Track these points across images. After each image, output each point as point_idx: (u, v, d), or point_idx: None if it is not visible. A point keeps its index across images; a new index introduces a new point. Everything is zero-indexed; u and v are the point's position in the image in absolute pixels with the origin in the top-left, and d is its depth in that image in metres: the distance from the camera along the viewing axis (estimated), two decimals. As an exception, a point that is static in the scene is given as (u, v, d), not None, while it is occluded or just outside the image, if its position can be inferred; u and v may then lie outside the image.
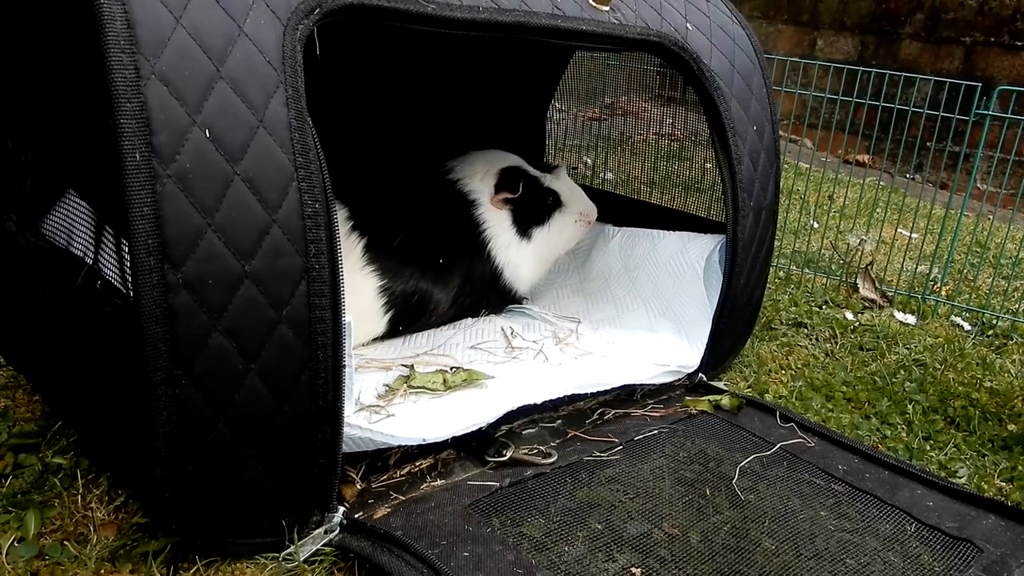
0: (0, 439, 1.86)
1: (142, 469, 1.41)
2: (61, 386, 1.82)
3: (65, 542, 1.57)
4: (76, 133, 1.60)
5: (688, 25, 2.18)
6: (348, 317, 1.50)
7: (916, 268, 3.63)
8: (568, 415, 2.13)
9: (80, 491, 1.71)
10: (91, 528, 1.62)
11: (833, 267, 3.58)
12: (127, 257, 1.31)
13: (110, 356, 1.48)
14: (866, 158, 5.52)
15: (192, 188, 1.29)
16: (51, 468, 1.78)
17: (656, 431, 2.06)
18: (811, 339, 2.89)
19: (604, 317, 2.59)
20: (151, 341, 1.29)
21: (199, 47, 1.31)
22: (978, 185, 5.41)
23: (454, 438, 1.84)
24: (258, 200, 1.35)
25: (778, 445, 2.04)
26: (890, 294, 3.34)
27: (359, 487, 1.74)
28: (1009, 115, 3.13)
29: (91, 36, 1.24)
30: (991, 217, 4.52)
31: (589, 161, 3.64)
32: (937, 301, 3.28)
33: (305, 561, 1.55)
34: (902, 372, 2.64)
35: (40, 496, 1.70)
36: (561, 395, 2.05)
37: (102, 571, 1.51)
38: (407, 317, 2.34)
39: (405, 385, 1.99)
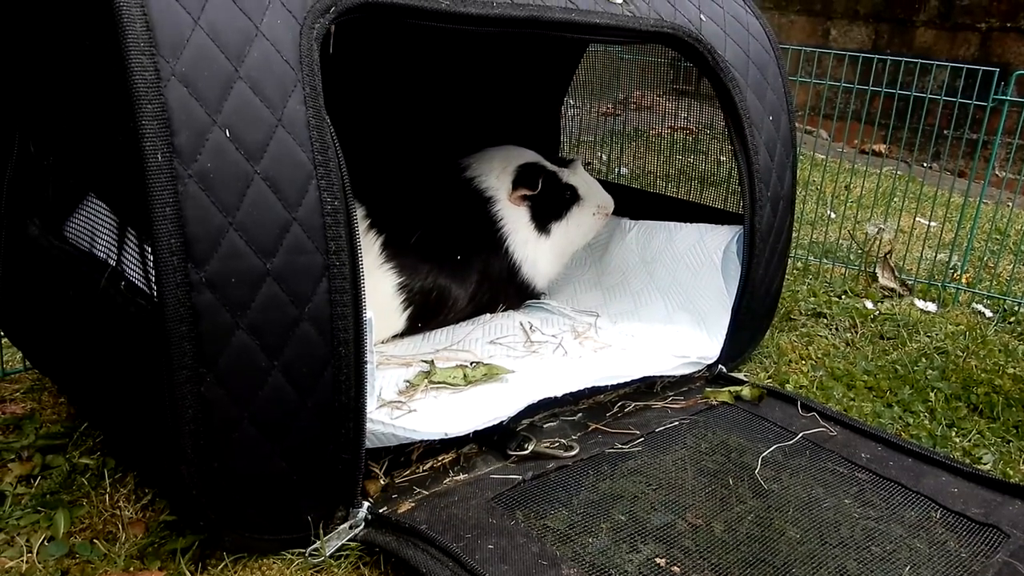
0: (28, 441, 1.89)
1: (168, 467, 1.43)
2: (86, 388, 1.84)
3: (94, 540, 1.59)
4: (97, 136, 1.62)
5: (702, 16, 2.18)
6: (369, 313, 1.51)
7: (935, 256, 3.61)
8: (589, 408, 2.13)
9: (107, 490, 1.73)
10: (119, 526, 1.63)
11: (851, 257, 3.56)
12: (150, 257, 1.32)
13: (135, 356, 1.50)
14: (882, 147, 5.48)
15: (213, 187, 1.30)
16: (78, 468, 1.80)
17: (677, 422, 2.06)
18: (831, 329, 2.88)
19: (623, 310, 2.59)
20: (176, 340, 1.30)
21: (217, 47, 1.32)
22: (996, 172, 5.37)
23: (476, 432, 1.85)
24: (278, 198, 1.36)
25: (800, 435, 2.04)
26: (910, 282, 3.32)
27: (383, 482, 1.75)
28: (1027, 100, 3.10)
29: (111, 39, 1.25)
30: (1011, 204, 4.49)
31: (604, 156, 3.63)
32: (957, 289, 3.26)
33: (331, 556, 1.56)
34: (924, 360, 2.62)
35: (68, 496, 1.72)
36: (581, 388, 2.05)
37: (131, 568, 1.53)
38: (426, 314, 2.35)
39: (426, 381, 2.00)
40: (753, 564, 1.56)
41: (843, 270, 3.46)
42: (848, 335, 2.84)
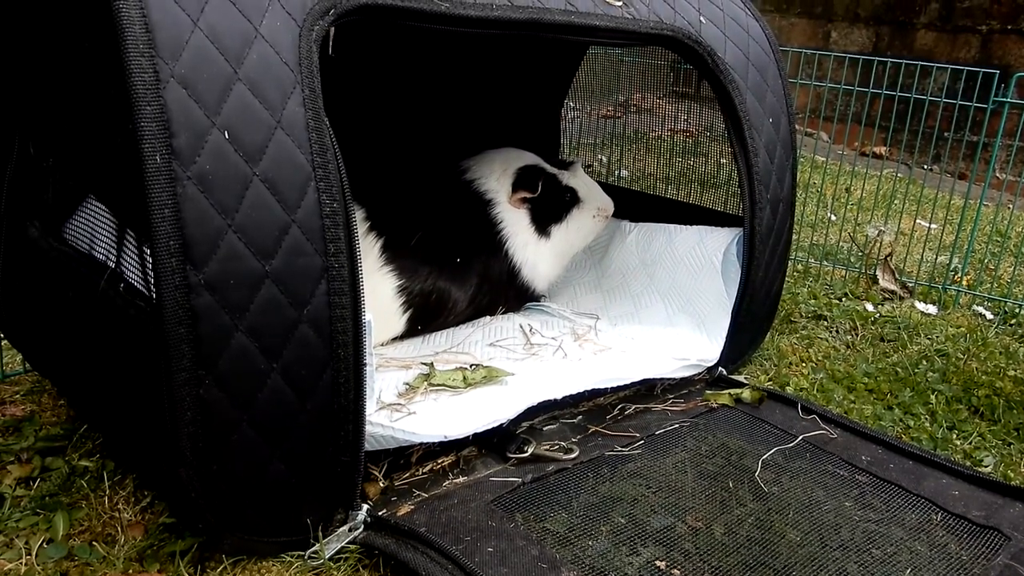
0: (27, 443, 1.88)
1: (167, 470, 1.42)
2: (86, 390, 1.84)
3: (93, 543, 1.59)
4: (97, 138, 1.62)
5: (702, 18, 2.18)
6: (368, 315, 1.51)
7: (936, 258, 3.61)
8: (588, 411, 2.13)
9: (107, 493, 1.73)
10: (119, 529, 1.63)
11: (852, 259, 3.56)
12: (149, 259, 1.32)
13: (134, 358, 1.49)
14: (883, 150, 5.48)
15: (212, 189, 1.30)
16: (78, 471, 1.80)
17: (677, 425, 2.06)
18: (831, 331, 2.88)
19: (622, 312, 2.59)
20: (175, 342, 1.30)
21: (216, 49, 1.32)
22: (997, 174, 5.37)
23: (475, 435, 1.84)
24: (277, 200, 1.36)
25: (800, 437, 2.03)
26: (910, 285, 3.32)
27: (382, 485, 1.75)
28: (1028, 102, 3.10)
29: (110, 40, 1.25)
30: (1011, 206, 4.49)
31: (604, 159, 3.63)
32: (958, 291, 3.25)
33: (330, 559, 1.56)
34: (924, 362, 2.62)
35: (68, 498, 1.72)
36: (581, 390, 2.05)
37: (130, 571, 1.52)
38: (425, 316, 2.35)
39: (425, 383, 2.00)
40: (753, 567, 1.55)
41: (843, 272, 3.46)
42: (849, 337, 2.83)
